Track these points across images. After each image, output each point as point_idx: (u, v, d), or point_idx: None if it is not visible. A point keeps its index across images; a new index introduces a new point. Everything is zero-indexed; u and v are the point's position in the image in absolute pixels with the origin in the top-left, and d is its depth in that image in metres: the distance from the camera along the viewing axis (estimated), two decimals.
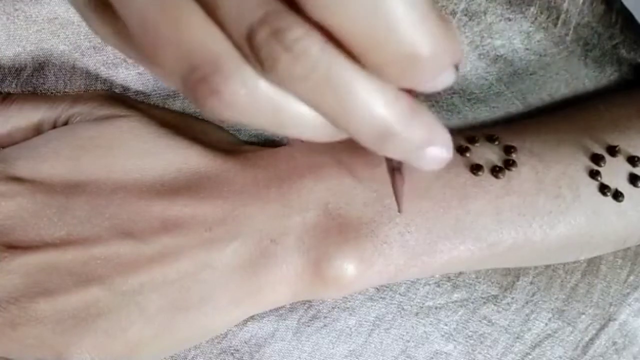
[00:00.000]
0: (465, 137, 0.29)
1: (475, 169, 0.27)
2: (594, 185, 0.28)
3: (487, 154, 0.28)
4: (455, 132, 0.30)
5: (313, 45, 0.16)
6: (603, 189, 0.28)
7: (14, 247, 0.25)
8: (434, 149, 0.19)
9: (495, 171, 0.27)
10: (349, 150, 0.28)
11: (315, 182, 0.27)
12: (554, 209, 0.27)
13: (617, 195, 0.28)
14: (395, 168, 0.24)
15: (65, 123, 0.28)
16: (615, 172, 0.28)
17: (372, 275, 0.26)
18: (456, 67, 0.17)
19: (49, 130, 0.28)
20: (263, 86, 0.17)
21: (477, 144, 0.28)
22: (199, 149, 0.27)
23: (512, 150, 0.28)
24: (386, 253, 0.26)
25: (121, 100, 0.29)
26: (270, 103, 0.17)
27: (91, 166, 0.27)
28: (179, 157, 0.27)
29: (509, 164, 0.28)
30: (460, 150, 0.28)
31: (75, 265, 0.25)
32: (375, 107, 0.17)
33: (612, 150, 0.28)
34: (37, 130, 0.28)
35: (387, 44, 0.15)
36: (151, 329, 0.25)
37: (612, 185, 0.28)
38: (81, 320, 0.24)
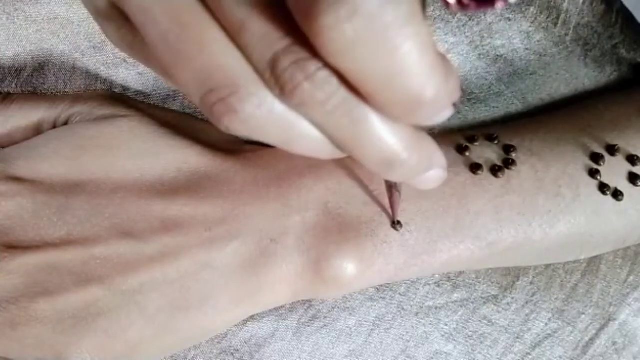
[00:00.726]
0: (464, 137, 0.29)
1: (475, 168, 0.27)
2: (593, 184, 0.28)
3: (486, 153, 0.28)
4: (455, 131, 0.30)
5: (332, 77, 0.17)
6: (603, 188, 0.28)
7: (14, 247, 0.25)
8: (434, 171, 0.20)
9: (495, 170, 0.27)
10: None
11: (315, 181, 0.27)
12: (554, 208, 0.27)
13: (617, 194, 0.28)
14: (392, 185, 0.25)
15: (65, 123, 0.28)
16: (614, 171, 0.28)
17: (372, 274, 0.26)
18: (454, 105, 0.18)
19: (49, 130, 0.28)
20: (278, 108, 0.18)
21: (476, 143, 0.28)
22: (199, 149, 0.27)
23: (512, 149, 0.28)
24: (386, 252, 0.26)
25: (121, 100, 0.29)
26: (282, 124, 0.18)
27: (91, 166, 0.27)
28: (179, 157, 0.27)
29: (508, 163, 0.28)
30: (460, 149, 0.28)
31: (75, 265, 0.25)
32: (385, 135, 0.18)
33: (612, 150, 0.28)
34: (37, 130, 0.28)
35: (396, 86, 0.16)
36: (151, 329, 0.25)
37: (612, 184, 0.28)
38: (81, 320, 0.24)
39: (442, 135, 0.30)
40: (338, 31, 0.15)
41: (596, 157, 0.28)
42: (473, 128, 0.31)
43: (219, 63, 0.17)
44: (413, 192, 0.27)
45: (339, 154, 0.20)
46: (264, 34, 0.16)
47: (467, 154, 0.28)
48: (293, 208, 0.26)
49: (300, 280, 0.26)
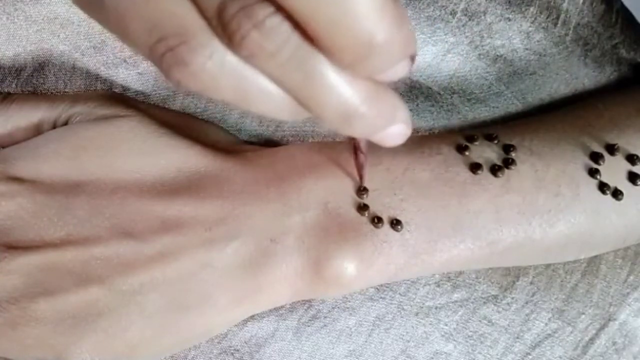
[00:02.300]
0: (464, 136, 0.29)
1: (475, 167, 0.27)
2: (593, 183, 0.28)
3: (486, 152, 0.28)
4: (454, 131, 0.30)
5: (282, 24, 0.16)
6: (602, 187, 0.28)
7: (14, 247, 0.25)
8: (396, 126, 0.20)
9: (495, 170, 0.27)
10: (349, 149, 0.28)
11: (315, 181, 0.27)
12: (554, 207, 0.27)
13: (617, 194, 0.28)
14: (357, 145, 0.25)
15: (65, 123, 0.28)
16: (614, 170, 0.28)
17: (372, 274, 0.26)
18: (412, 59, 0.18)
19: (49, 130, 0.28)
20: (230, 60, 0.17)
21: (476, 143, 0.28)
22: (199, 149, 0.27)
23: (512, 149, 0.28)
24: (386, 252, 0.26)
25: (121, 100, 0.29)
26: (236, 77, 0.17)
27: (91, 166, 0.27)
28: (179, 157, 0.27)
29: (508, 162, 0.28)
30: (460, 149, 0.28)
31: (75, 265, 0.25)
32: (341, 86, 0.17)
33: (611, 149, 0.28)
34: (37, 130, 0.28)
35: (344, 29, 0.16)
36: (151, 329, 0.25)
37: (612, 183, 0.28)
38: (81, 320, 0.24)
39: (442, 135, 0.30)
40: None
41: (596, 157, 0.28)
42: (473, 128, 0.31)
43: (169, 10, 0.16)
44: (413, 191, 0.27)
45: (300, 113, 0.19)
46: None
47: (467, 153, 0.28)
48: (293, 208, 0.26)
49: (300, 280, 0.26)
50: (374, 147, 0.28)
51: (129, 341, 0.25)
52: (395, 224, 0.26)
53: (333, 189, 0.27)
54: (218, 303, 0.25)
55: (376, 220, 0.26)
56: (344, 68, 0.17)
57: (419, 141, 0.29)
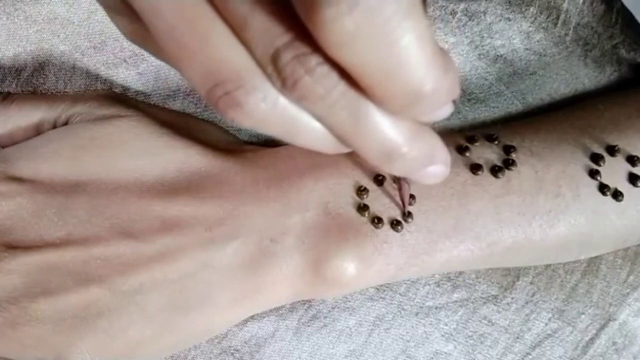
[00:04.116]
0: (464, 137, 0.29)
1: (475, 168, 0.27)
2: (593, 184, 0.28)
3: (486, 153, 0.28)
4: (455, 131, 0.30)
5: (333, 70, 0.17)
6: (602, 188, 0.28)
7: (14, 247, 0.25)
8: (434, 166, 0.20)
9: (495, 171, 0.27)
10: (349, 152, 0.28)
11: (315, 181, 0.27)
12: (554, 208, 0.27)
13: (617, 195, 0.28)
14: (399, 180, 0.25)
15: (66, 123, 0.28)
16: (614, 171, 0.28)
17: (372, 274, 0.26)
18: (454, 102, 0.18)
19: (49, 130, 0.28)
20: (282, 102, 0.18)
21: (476, 144, 0.28)
22: (199, 149, 0.27)
23: (512, 149, 0.28)
24: (386, 252, 0.26)
25: (121, 100, 0.29)
26: (285, 117, 0.18)
27: (91, 166, 0.27)
28: (179, 157, 0.27)
29: (508, 163, 0.28)
30: (460, 149, 0.28)
31: (75, 265, 0.25)
32: (385, 127, 0.18)
33: (612, 150, 0.28)
34: (37, 130, 0.28)
35: (395, 79, 0.16)
36: (151, 329, 0.25)
37: (612, 184, 0.28)
38: (81, 320, 0.24)
39: (442, 135, 0.29)
40: (339, 24, 0.15)
41: (596, 158, 0.28)
42: (473, 128, 0.31)
43: (224, 57, 0.17)
44: (413, 191, 0.27)
45: (343, 148, 0.20)
46: (265, 29, 0.16)
47: (467, 154, 0.28)
48: (293, 208, 0.26)
49: (301, 280, 0.26)
50: None
51: (129, 341, 0.25)
52: (395, 224, 0.26)
53: (333, 189, 0.27)
54: (218, 303, 0.25)
55: (376, 221, 0.26)
56: (391, 113, 0.18)
57: None
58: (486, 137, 0.29)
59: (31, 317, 0.24)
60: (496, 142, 0.29)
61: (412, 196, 0.27)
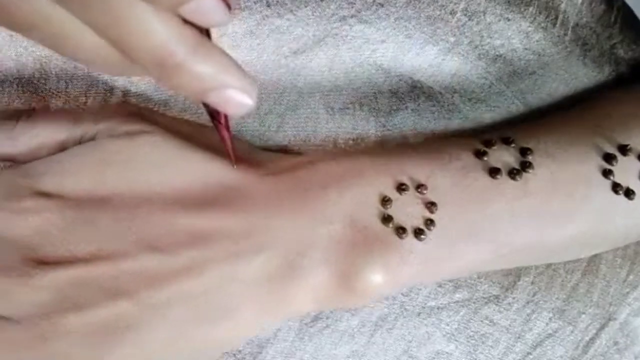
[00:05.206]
0: (481, 141, 0.29)
1: (494, 172, 0.27)
2: (607, 184, 0.28)
3: (504, 156, 0.28)
4: (469, 135, 0.30)
5: None
6: (615, 187, 0.28)
7: (44, 263, 0.25)
8: (233, 92, 0.19)
9: (513, 174, 0.27)
10: (370, 160, 0.28)
11: (340, 192, 0.27)
12: (568, 208, 0.28)
13: (629, 193, 0.28)
14: (215, 117, 0.25)
15: (91, 139, 0.28)
16: (626, 170, 0.28)
17: (397, 283, 0.26)
18: (227, 4, 0.17)
19: (74, 147, 0.28)
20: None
21: (493, 147, 0.28)
22: (222, 161, 0.27)
23: (528, 152, 0.28)
24: (410, 261, 0.26)
25: (143, 115, 0.29)
26: (42, 14, 0.17)
27: (116, 181, 0.26)
28: (202, 170, 0.27)
29: (525, 166, 0.28)
30: (478, 154, 0.28)
31: (104, 280, 0.24)
32: (152, 25, 0.17)
33: (623, 149, 0.29)
34: (62, 148, 0.28)
35: None
36: (178, 341, 0.25)
37: (624, 183, 0.28)
38: (110, 334, 0.24)
39: (459, 140, 0.30)
40: None
41: (609, 158, 0.28)
42: (474, 130, 0.31)
43: None
44: (434, 199, 0.27)
45: (127, 66, 0.18)
46: None
47: (485, 158, 0.28)
48: (318, 221, 0.26)
49: (327, 292, 0.26)
50: (396, 153, 0.28)
51: (157, 353, 0.24)
52: (418, 232, 0.26)
53: (357, 200, 0.27)
54: (244, 315, 0.25)
55: (400, 231, 0.26)
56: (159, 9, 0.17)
57: (439, 147, 0.29)
58: (502, 139, 0.29)
59: (62, 332, 0.24)
60: (512, 145, 0.29)
61: (433, 203, 0.27)
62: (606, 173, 0.28)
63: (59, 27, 0.17)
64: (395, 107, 0.31)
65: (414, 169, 0.27)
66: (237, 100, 0.20)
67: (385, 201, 0.27)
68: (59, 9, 0.17)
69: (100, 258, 0.25)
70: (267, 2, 0.29)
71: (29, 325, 0.24)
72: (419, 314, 0.29)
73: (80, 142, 0.28)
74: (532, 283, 0.30)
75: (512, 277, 0.30)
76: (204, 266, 0.25)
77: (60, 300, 0.24)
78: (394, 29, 0.30)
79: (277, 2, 0.29)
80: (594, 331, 0.29)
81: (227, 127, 0.25)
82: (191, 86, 0.19)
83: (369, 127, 0.30)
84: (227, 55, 0.19)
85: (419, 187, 0.27)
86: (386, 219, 0.26)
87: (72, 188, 0.26)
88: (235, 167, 0.27)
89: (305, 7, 0.29)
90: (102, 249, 0.25)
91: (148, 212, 0.26)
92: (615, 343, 0.29)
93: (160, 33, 0.17)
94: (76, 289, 0.24)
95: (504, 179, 0.27)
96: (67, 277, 0.24)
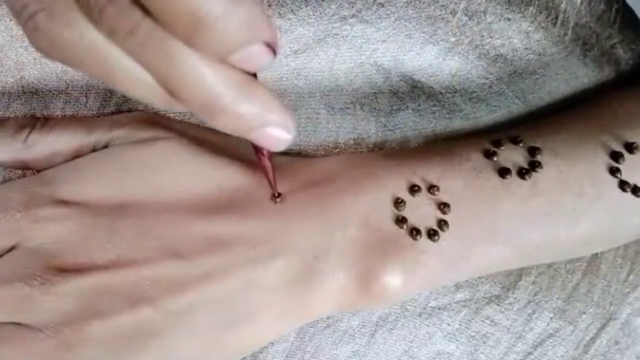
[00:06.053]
0: (490, 141, 0.29)
1: (504, 172, 0.27)
2: (614, 182, 0.28)
3: (513, 156, 0.28)
4: (478, 135, 0.30)
5: (135, 4, 0.16)
6: (623, 185, 0.28)
7: (66, 270, 0.25)
8: (274, 129, 0.19)
9: (522, 173, 0.28)
10: (382, 162, 0.28)
11: (355, 196, 0.27)
12: (578, 207, 0.28)
13: (636, 191, 0.28)
14: (258, 149, 0.25)
15: (105, 146, 0.28)
16: (633, 168, 0.28)
17: (414, 285, 0.26)
18: (270, 48, 0.17)
19: (91, 153, 0.28)
20: (92, 34, 0.17)
21: (502, 147, 0.28)
22: (238, 166, 0.27)
23: (537, 151, 0.28)
24: (425, 263, 0.26)
25: (159, 122, 0.29)
26: (99, 53, 0.17)
27: (135, 187, 0.26)
28: (219, 176, 0.27)
29: (534, 165, 0.28)
30: (488, 154, 0.28)
31: (126, 287, 0.24)
32: (201, 71, 0.17)
33: (630, 147, 0.29)
34: (76, 155, 0.28)
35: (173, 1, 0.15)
36: (200, 347, 0.25)
37: (631, 181, 0.28)
38: (134, 341, 0.24)
39: (468, 140, 0.30)
40: None
41: (616, 156, 0.28)
42: (475, 129, 0.31)
43: None
44: (447, 200, 0.27)
45: (171, 102, 0.18)
46: None
47: (495, 158, 0.28)
48: (334, 225, 0.26)
49: (345, 295, 0.26)
50: (407, 155, 0.28)
51: (180, 359, 0.24)
52: (432, 234, 0.26)
53: (372, 203, 0.27)
54: (264, 319, 0.25)
55: (414, 233, 0.26)
56: (191, 47, 0.17)
57: (448, 148, 0.29)
58: (511, 139, 0.29)
59: (85, 339, 0.24)
60: (521, 144, 0.29)
61: (446, 204, 0.27)
62: (613, 171, 0.28)
63: (114, 66, 0.18)
64: (395, 107, 0.31)
65: (426, 171, 0.28)
66: (276, 136, 0.19)
67: (398, 203, 0.27)
68: (115, 49, 0.17)
69: (121, 265, 0.25)
70: (267, 1, 0.29)
71: (53, 333, 0.24)
72: (420, 314, 0.29)
73: (94, 149, 0.28)
74: (533, 283, 0.30)
75: (513, 277, 0.30)
76: (223, 272, 0.25)
77: (82, 308, 0.24)
78: (395, 28, 0.30)
79: (278, 1, 0.29)
80: (595, 331, 0.29)
81: (270, 158, 0.25)
82: (236, 126, 0.19)
83: (369, 127, 0.30)
84: (269, 91, 0.19)
85: (431, 188, 0.27)
86: (400, 221, 0.26)
87: (92, 196, 0.26)
88: (278, 198, 0.26)
89: (306, 6, 0.29)
90: (122, 255, 0.25)
91: (168, 218, 0.26)
92: (616, 343, 0.29)
93: (209, 79, 0.17)
94: (98, 295, 0.24)
95: (513, 179, 0.28)
96: (89, 284, 0.24)
